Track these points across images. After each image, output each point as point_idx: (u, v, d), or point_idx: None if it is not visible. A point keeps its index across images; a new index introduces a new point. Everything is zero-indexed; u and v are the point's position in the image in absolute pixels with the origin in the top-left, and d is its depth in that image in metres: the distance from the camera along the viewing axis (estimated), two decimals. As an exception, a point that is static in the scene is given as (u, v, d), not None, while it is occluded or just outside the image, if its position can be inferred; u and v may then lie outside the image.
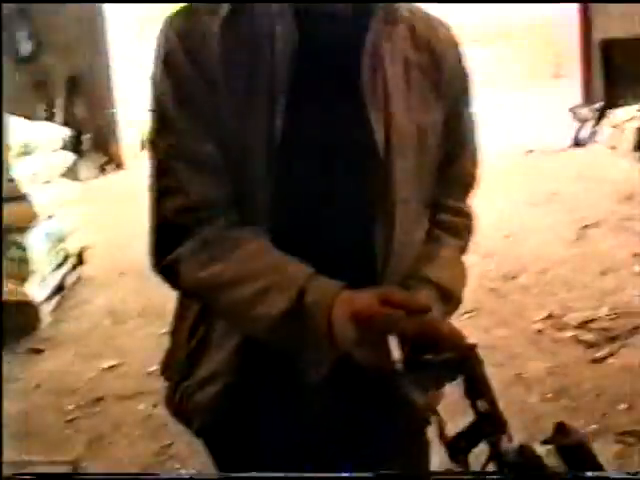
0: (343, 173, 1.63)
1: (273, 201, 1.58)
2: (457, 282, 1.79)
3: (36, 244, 5.86)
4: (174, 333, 1.79)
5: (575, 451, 1.32)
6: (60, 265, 6.44)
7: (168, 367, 1.83)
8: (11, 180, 5.76)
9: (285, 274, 1.52)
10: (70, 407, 4.74)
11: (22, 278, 5.66)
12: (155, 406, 4.48)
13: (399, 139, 1.63)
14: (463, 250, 1.86)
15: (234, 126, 1.56)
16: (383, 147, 1.61)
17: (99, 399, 4.83)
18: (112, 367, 5.28)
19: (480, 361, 1.43)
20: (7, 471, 1.78)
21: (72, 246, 6.77)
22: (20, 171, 5.97)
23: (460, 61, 1.77)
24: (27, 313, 5.62)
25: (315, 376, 1.59)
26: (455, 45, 1.78)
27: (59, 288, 6.39)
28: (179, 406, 1.77)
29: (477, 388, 1.39)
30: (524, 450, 1.30)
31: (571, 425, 1.35)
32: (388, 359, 1.39)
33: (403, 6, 1.69)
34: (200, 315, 1.70)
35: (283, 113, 1.56)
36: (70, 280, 6.70)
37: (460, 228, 1.84)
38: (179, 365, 1.77)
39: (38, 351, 5.54)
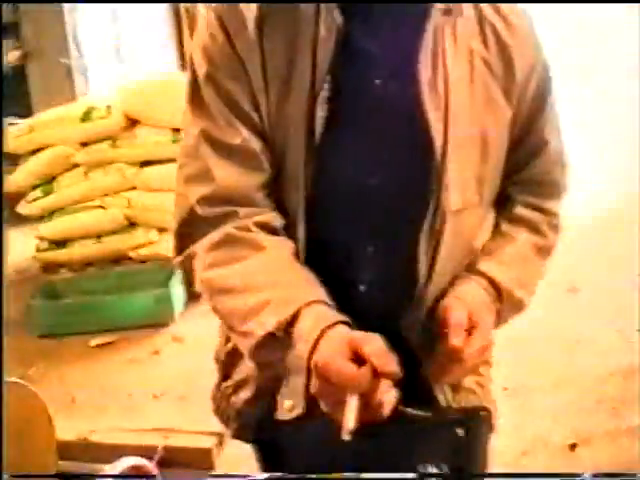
0: (389, 177, 1.54)
1: (308, 202, 1.51)
2: (521, 282, 1.63)
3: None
4: (220, 328, 1.71)
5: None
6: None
7: (216, 362, 1.77)
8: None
9: (288, 293, 1.41)
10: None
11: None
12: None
13: (457, 144, 1.51)
14: (543, 249, 1.70)
15: (272, 117, 1.50)
16: (440, 151, 1.50)
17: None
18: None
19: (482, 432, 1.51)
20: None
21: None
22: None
23: (535, 56, 1.63)
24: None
25: (288, 414, 1.39)
26: (530, 37, 1.63)
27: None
28: (218, 405, 1.74)
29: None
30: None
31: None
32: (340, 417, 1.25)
33: None
34: None
35: (325, 105, 1.48)
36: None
37: (540, 225, 1.69)
38: (220, 364, 1.74)
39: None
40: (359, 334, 1.32)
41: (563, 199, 1.74)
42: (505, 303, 1.59)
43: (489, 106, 1.56)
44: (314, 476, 1.52)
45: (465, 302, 1.50)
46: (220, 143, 1.49)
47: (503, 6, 1.57)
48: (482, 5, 1.55)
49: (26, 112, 6.09)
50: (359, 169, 1.53)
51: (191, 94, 1.53)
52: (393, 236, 1.56)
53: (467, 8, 1.54)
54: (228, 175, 1.49)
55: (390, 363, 1.27)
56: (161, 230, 5.10)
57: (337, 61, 1.47)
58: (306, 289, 1.42)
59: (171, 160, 4.53)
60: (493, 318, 1.55)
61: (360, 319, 1.40)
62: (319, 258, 1.51)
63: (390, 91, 1.52)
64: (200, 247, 1.49)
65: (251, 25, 1.48)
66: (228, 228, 1.47)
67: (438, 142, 1.49)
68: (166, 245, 4.82)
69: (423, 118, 1.49)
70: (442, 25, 1.50)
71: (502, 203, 1.68)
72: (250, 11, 1.49)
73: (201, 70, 1.50)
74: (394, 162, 1.53)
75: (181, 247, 1.54)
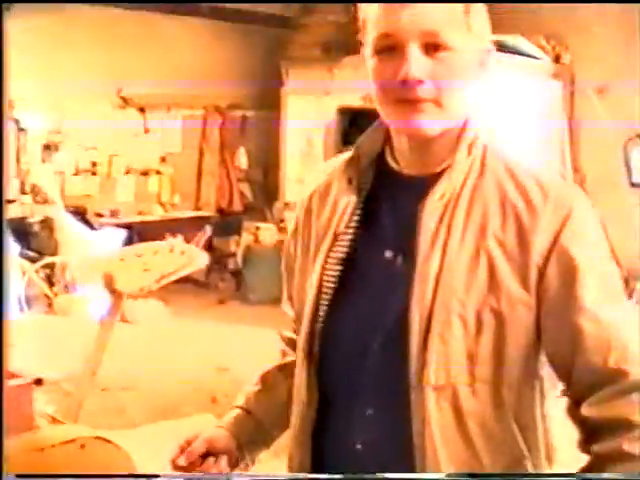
0: (378, 350, 1.67)
1: (311, 348, 1.74)
2: None
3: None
4: None
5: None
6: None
7: None
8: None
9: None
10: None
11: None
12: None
13: (443, 319, 1.60)
14: None
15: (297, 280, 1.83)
16: (418, 327, 1.61)
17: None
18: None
19: None
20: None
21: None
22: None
23: (565, 236, 1.61)
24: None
25: None
26: (564, 211, 1.62)
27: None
28: None
29: None
30: None
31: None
32: None
33: (492, 159, 1.68)
34: None
35: (338, 266, 1.72)
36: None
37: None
38: None
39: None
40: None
41: None
42: None
43: (495, 286, 1.60)
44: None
45: None
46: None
47: (532, 192, 1.62)
48: (507, 187, 1.63)
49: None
50: (360, 330, 1.69)
51: None
52: (391, 400, 1.66)
53: (492, 192, 1.63)
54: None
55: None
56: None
57: (356, 231, 1.73)
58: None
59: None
60: None
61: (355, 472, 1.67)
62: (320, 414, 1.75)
63: (397, 263, 1.68)
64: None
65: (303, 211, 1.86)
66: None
67: (414, 323, 1.60)
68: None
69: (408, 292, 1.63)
70: (439, 207, 1.63)
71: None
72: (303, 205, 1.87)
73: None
74: (388, 330, 1.66)
75: None
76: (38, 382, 1.99)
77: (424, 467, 1.63)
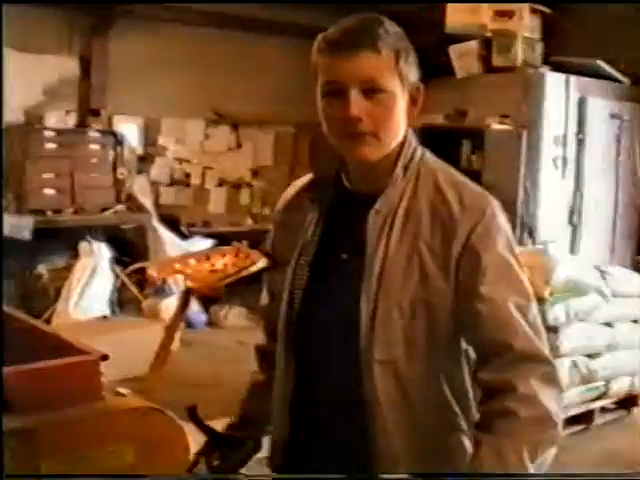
0: (339, 334, 2.06)
1: (289, 334, 2.13)
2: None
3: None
4: None
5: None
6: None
7: None
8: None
9: None
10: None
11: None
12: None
13: (385, 308, 1.97)
14: (532, 446, 1.86)
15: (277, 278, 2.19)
16: (366, 313, 1.98)
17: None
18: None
19: None
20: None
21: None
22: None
23: (477, 236, 1.98)
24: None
25: None
26: (477, 217, 1.99)
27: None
28: None
29: None
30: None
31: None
32: None
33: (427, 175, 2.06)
34: None
35: (306, 267, 2.10)
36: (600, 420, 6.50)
37: (505, 416, 1.89)
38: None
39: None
40: None
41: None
42: None
43: (424, 281, 1.97)
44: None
45: None
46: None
47: (454, 206, 1.99)
48: (435, 201, 2.00)
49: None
50: (325, 318, 2.06)
51: None
52: (349, 373, 2.03)
53: (423, 205, 2.01)
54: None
55: None
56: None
57: (319, 239, 2.11)
58: None
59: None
60: None
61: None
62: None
63: (350, 263, 2.05)
64: None
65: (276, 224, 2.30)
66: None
67: (363, 310, 1.98)
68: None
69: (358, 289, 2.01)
70: (380, 218, 2.01)
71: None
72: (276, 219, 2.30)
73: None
74: (346, 316, 2.02)
75: None
76: (104, 358, 2.26)
77: (374, 427, 2.01)
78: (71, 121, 8.60)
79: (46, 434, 2.13)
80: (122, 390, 2.66)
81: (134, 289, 8.10)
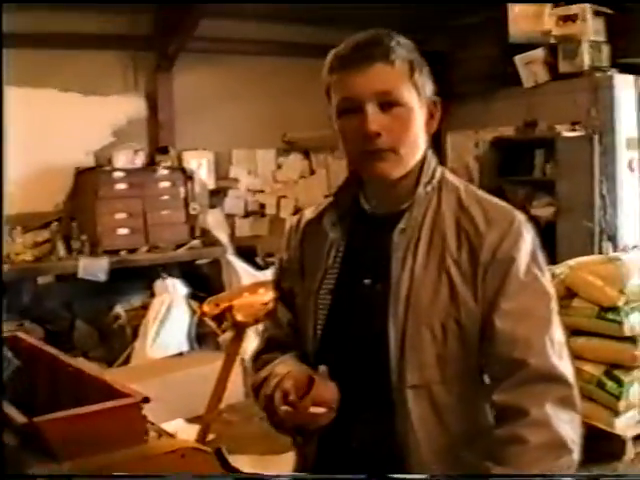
0: (365, 354, 1.99)
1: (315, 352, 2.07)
2: None
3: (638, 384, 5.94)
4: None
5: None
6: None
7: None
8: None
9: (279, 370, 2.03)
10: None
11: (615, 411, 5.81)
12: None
13: (415, 330, 1.90)
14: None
15: (299, 290, 2.15)
16: (394, 338, 1.92)
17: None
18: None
19: None
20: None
21: None
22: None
23: (503, 249, 1.90)
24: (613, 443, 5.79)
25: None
26: (503, 230, 1.92)
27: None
28: None
29: None
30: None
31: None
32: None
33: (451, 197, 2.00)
34: None
35: (328, 296, 2.05)
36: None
37: (516, 444, 1.80)
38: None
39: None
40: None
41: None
42: None
43: (454, 299, 1.90)
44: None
45: None
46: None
47: (479, 220, 1.93)
48: (460, 217, 1.95)
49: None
50: (349, 347, 2.00)
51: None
52: (378, 402, 1.96)
53: (447, 222, 1.96)
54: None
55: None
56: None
57: (340, 265, 2.07)
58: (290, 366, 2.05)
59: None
60: None
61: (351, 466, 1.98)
62: None
63: (375, 288, 1.99)
64: None
65: (296, 243, 2.21)
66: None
67: (391, 335, 1.92)
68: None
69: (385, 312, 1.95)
70: (404, 237, 1.96)
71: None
72: (301, 224, 2.23)
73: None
74: (371, 343, 1.97)
75: None
76: (146, 400, 2.22)
77: (410, 458, 1.90)
78: (140, 160, 8.64)
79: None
80: (175, 429, 2.63)
81: (211, 324, 8.09)
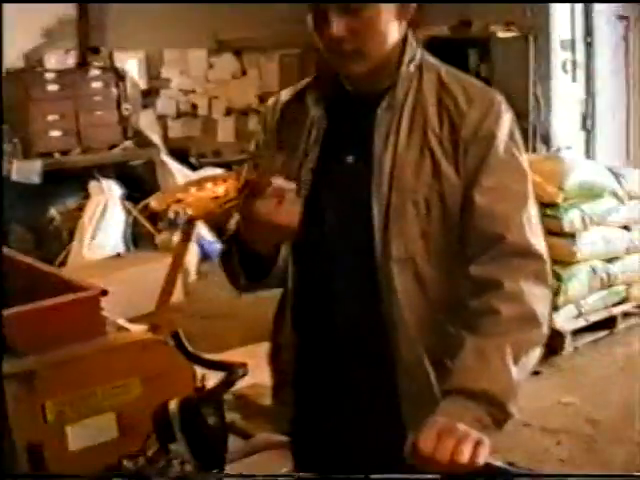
0: (349, 231, 2.01)
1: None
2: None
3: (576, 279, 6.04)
4: None
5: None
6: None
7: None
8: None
9: None
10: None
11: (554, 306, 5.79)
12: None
13: (399, 205, 1.93)
14: (516, 346, 1.82)
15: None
16: (379, 213, 1.94)
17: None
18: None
19: None
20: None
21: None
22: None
23: (484, 127, 1.94)
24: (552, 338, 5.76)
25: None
26: (484, 108, 1.96)
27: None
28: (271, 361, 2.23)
29: None
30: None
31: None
32: None
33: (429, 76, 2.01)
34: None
35: (310, 172, 2.03)
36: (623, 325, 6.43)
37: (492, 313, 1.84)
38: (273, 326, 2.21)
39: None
40: None
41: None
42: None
43: (437, 173, 1.93)
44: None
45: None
46: None
47: (460, 98, 1.97)
48: (441, 95, 1.98)
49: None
50: (334, 223, 2.02)
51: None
52: (363, 276, 1.99)
53: (429, 100, 1.98)
54: None
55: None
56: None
57: (322, 144, 2.04)
58: None
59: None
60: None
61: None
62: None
63: (357, 166, 2.01)
64: None
65: (273, 125, 2.16)
66: None
67: (375, 210, 1.94)
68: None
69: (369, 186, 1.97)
70: (388, 114, 1.97)
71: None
72: (281, 100, 2.17)
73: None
74: (356, 219, 1.99)
75: None
76: (104, 293, 2.23)
77: (394, 332, 1.95)
78: (71, 61, 8.48)
79: (48, 374, 2.12)
80: (129, 325, 2.64)
81: (147, 224, 8.06)
